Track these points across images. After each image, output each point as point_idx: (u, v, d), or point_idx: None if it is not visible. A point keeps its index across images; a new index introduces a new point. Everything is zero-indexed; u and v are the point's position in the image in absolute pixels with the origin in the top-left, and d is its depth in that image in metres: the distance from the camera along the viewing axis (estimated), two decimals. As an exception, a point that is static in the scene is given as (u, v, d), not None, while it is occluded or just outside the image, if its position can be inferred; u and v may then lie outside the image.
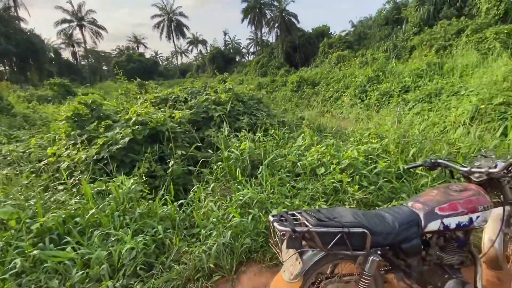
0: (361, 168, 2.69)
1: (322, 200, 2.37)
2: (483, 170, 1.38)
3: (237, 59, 54.35)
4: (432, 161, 1.60)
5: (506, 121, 5.45)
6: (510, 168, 1.35)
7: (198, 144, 3.75)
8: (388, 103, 9.65)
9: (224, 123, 4.20)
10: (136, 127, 3.87)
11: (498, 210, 1.45)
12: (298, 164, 3.04)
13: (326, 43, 25.29)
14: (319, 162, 2.95)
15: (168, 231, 2.37)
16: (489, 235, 1.48)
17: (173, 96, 5.56)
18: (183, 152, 3.42)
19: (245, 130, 4.88)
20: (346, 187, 2.45)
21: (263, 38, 47.36)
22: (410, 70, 10.30)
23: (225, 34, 58.80)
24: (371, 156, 2.96)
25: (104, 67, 56.86)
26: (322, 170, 2.79)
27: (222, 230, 2.14)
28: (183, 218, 2.50)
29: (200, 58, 58.27)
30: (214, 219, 2.25)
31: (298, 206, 2.29)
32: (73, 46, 46.10)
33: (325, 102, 12.52)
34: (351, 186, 2.44)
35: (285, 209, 2.32)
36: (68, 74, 43.28)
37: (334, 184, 2.50)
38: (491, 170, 1.36)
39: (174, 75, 53.97)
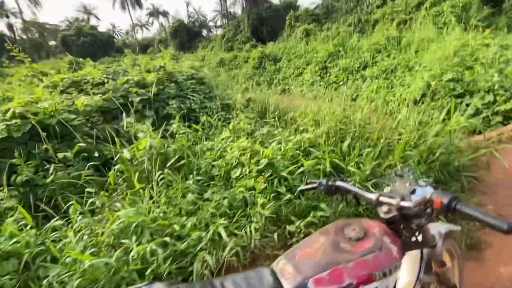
0: (281, 168, 2.19)
1: (223, 219, 1.84)
2: (393, 201, 0.89)
3: (204, 34, 51.06)
4: (329, 183, 1.09)
5: (452, 98, 5.29)
6: (428, 203, 0.86)
7: (84, 143, 2.97)
8: (347, 80, 9.32)
9: (129, 112, 3.44)
10: (14, 121, 2.98)
11: (414, 253, 1.00)
12: (214, 164, 2.47)
13: (293, 16, 24.20)
14: (237, 161, 2.39)
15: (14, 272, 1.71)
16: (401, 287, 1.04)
17: (88, 78, 4.57)
18: (66, 154, 2.65)
19: (173, 117, 4.17)
20: (257, 197, 1.94)
21: (230, 10, 44.54)
22: (369, 45, 9.95)
23: (187, 4, 54.27)
24: (299, 152, 2.46)
25: (53, 42, 50.29)
26: (238, 172, 2.25)
27: (75, 275, 1.53)
28: (40, 252, 1.83)
29: (163, 32, 53.81)
30: (69, 258, 1.62)
31: (189, 230, 1.73)
32: (8, 17, 39.75)
33: (287, 79, 11.95)
34: (263, 196, 1.93)
35: (172, 236, 1.75)
36: (6, 51, 37.65)
37: (244, 193, 1.97)
38: (403, 204, 0.87)
39: (134, 52, 49.35)
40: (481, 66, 5.36)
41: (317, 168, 2.32)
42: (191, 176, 2.41)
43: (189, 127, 3.94)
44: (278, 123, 4.04)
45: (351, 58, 9.87)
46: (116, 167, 2.59)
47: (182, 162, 2.64)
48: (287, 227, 1.77)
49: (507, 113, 4.63)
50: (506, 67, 5.23)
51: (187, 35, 42.82)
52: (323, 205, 1.87)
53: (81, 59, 9.72)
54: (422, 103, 5.94)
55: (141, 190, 2.26)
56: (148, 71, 5.09)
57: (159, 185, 2.30)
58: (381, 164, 2.48)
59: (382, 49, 9.41)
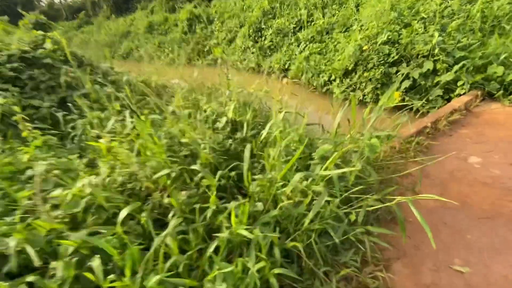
0: None
1: None
2: None
3: (144, -8, 44.31)
4: None
5: (386, 66, 4.15)
6: None
7: None
8: (282, 44, 7.83)
9: None
10: None
11: None
12: None
13: (236, -34, 21.06)
14: None
15: None
16: None
17: None
18: None
19: None
20: None
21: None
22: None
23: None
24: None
25: (-46, 8, 40.18)
26: None
27: None
28: None
29: (95, -8, 45.51)
30: None
31: None
32: None
33: (219, 45, 10.06)
34: None
35: None
36: None
37: None
38: None
39: (61, 17, 41.62)
40: (421, 22, 4.20)
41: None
42: None
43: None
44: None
45: (287, 16, 8.26)
46: None
47: None
48: None
49: (449, 85, 3.64)
50: (449, 23, 4.13)
51: (122, -5, 36.76)
52: None
53: None
54: (356, 73, 4.78)
55: None
56: None
57: None
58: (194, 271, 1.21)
59: (319, 4, 7.88)
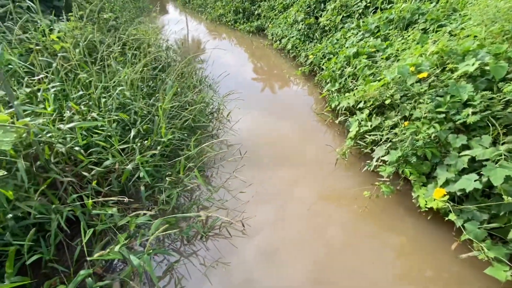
0: None
1: None
2: None
3: None
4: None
5: (447, 128, 2.02)
6: None
7: None
8: (341, 27, 5.53)
9: None
10: None
11: None
12: None
13: None
14: None
15: None
16: None
17: None
18: None
19: None
20: None
21: None
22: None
23: None
24: None
25: None
26: None
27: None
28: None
29: None
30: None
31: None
32: None
33: (272, 11, 8.04)
34: None
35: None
36: None
37: None
38: None
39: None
40: None
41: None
42: None
43: None
44: None
45: (363, -12, 5.72)
46: None
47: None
48: None
49: None
50: None
51: None
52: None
53: None
54: (396, 113, 2.67)
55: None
56: None
57: None
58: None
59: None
